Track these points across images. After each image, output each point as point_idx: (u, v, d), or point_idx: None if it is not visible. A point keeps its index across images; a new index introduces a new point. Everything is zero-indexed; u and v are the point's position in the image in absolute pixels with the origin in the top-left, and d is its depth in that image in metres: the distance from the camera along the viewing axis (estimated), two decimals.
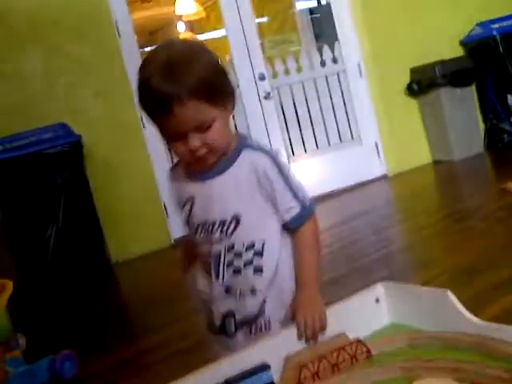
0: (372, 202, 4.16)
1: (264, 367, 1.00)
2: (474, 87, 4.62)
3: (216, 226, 1.18)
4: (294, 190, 1.20)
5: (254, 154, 1.19)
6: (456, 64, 4.46)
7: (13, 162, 3.50)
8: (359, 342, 1.05)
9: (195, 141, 1.10)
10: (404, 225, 3.48)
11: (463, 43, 4.71)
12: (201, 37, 6.77)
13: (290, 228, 1.21)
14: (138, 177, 3.99)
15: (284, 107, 4.53)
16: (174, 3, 6.23)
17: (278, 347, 1.06)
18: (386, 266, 2.67)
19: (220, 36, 6.03)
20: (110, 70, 3.87)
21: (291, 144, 4.55)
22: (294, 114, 4.57)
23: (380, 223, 3.51)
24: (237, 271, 1.19)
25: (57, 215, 3.58)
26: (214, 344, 1.28)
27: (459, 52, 4.68)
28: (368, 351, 1.04)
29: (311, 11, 5.80)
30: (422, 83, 4.51)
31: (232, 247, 1.19)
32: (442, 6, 4.67)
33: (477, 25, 4.63)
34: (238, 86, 4.35)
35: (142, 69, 1.11)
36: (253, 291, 1.20)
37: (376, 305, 1.17)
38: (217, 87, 1.13)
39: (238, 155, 1.18)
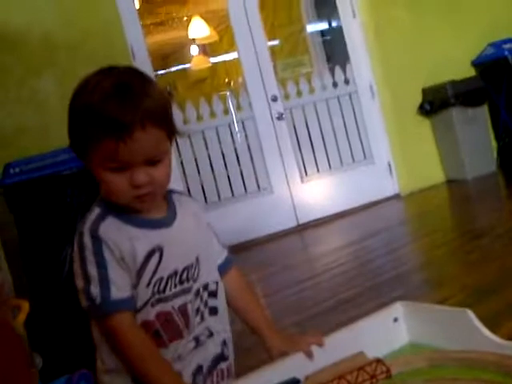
0: (385, 221, 4.15)
1: (294, 381, 1.00)
2: (486, 106, 4.63)
3: (186, 272, 1.09)
4: (216, 234, 1.21)
5: (185, 198, 1.17)
6: (468, 84, 4.49)
7: (29, 184, 3.54)
8: (379, 361, 1.05)
9: (142, 176, 1.00)
10: (418, 244, 3.47)
11: (475, 63, 4.73)
12: (214, 59, 6.84)
13: (222, 270, 1.19)
14: None
15: (296, 128, 4.56)
16: (188, 27, 6.31)
17: (291, 368, 1.06)
18: (400, 285, 2.66)
19: (233, 58, 6.12)
20: None
21: (304, 164, 4.57)
22: (307, 135, 4.59)
23: (394, 242, 3.51)
24: (201, 317, 1.12)
25: (72, 237, 3.60)
26: None
27: (470, 71, 4.71)
28: (388, 371, 1.04)
29: (323, 33, 5.86)
30: (434, 103, 4.53)
31: (197, 292, 1.11)
32: (452, 26, 4.71)
33: (488, 45, 4.65)
34: (251, 107, 4.39)
35: (84, 93, 1.01)
36: (211, 334, 1.13)
37: (394, 324, 1.17)
38: (171, 117, 1.06)
39: (172, 199, 1.13)
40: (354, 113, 4.70)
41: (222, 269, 1.19)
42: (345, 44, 4.70)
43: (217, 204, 4.30)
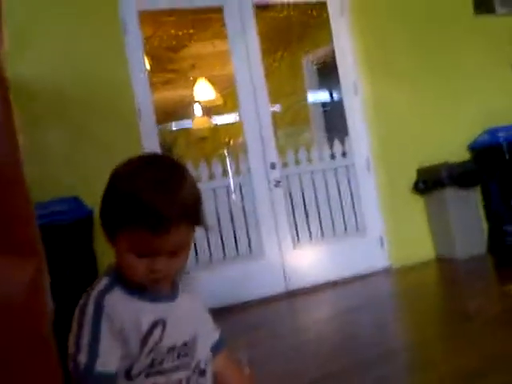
0: (374, 294, 4.17)
1: None
2: (479, 189, 4.73)
3: (185, 347, 1.14)
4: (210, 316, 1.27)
5: (186, 283, 1.23)
6: (462, 167, 4.60)
7: None
8: None
9: (162, 265, 1.07)
10: (405, 321, 3.48)
11: (470, 148, 4.86)
12: (216, 120, 6.97)
13: (215, 350, 1.24)
14: None
15: (292, 194, 4.63)
16: (193, 87, 6.47)
17: None
18: (386, 364, 2.65)
19: (234, 121, 6.25)
20: (126, 147, 3.99)
21: (297, 230, 4.61)
22: (302, 202, 4.66)
23: (382, 318, 3.52)
24: None
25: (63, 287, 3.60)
26: None
27: (465, 155, 4.82)
28: None
29: (324, 105, 6.02)
30: (428, 182, 4.63)
31: (193, 370, 1.16)
32: (450, 110, 4.87)
33: (484, 132, 4.79)
34: (250, 172, 4.47)
35: (128, 179, 1.06)
36: None
37: None
38: (202, 211, 1.13)
39: (176, 278, 1.19)
40: (350, 185, 4.79)
41: (215, 349, 1.24)
42: (345, 117, 4.83)
43: (208, 264, 4.32)
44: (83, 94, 3.94)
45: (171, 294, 1.16)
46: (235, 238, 4.46)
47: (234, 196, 4.47)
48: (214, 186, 4.43)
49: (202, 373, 1.18)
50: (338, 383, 2.48)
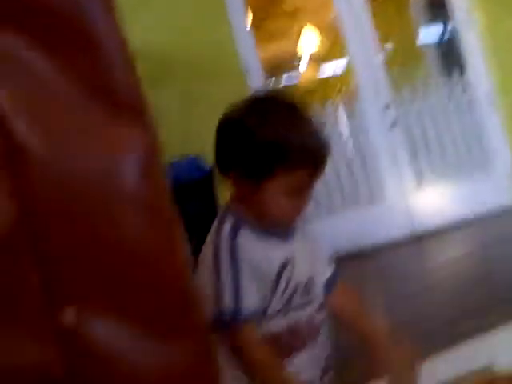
0: (508, 230, 3.94)
1: None
2: None
3: (310, 284, 1.15)
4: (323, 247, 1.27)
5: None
6: None
7: None
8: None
9: (305, 201, 1.11)
10: None
11: None
12: (325, 69, 6.84)
13: (331, 283, 1.23)
14: None
15: (411, 134, 4.45)
16: (297, 39, 6.37)
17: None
18: None
19: (343, 68, 6.09)
20: None
21: (419, 170, 4.44)
22: (422, 141, 4.47)
23: None
24: (318, 329, 1.16)
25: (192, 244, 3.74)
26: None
27: None
28: None
29: (436, 40, 5.70)
30: None
31: (315, 304, 1.16)
32: None
33: None
34: (364, 116, 4.35)
35: (276, 124, 1.07)
36: (320, 346, 1.16)
37: None
38: None
39: None
40: (472, 120, 4.52)
41: (331, 282, 1.23)
42: (461, 52, 4.55)
43: (328, 212, 4.28)
44: (189, 56, 4.00)
45: (291, 231, 1.16)
46: (355, 185, 4.38)
47: (348, 140, 4.38)
48: (328, 133, 4.35)
49: (321, 308, 1.18)
50: (478, 321, 2.37)
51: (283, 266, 1.10)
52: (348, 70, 4.65)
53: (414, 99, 4.49)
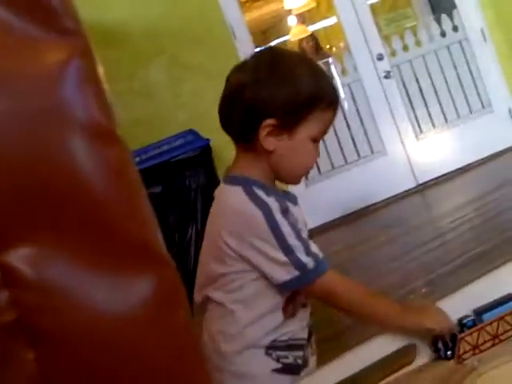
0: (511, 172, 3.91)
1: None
2: None
3: None
4: None
5: None
6: None
7: (150, 172, 3.70)
8: None
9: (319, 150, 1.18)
10: None
11: None
12: (313, 27, 6.73)
13: None
14: None
15: (406, 84, 4.39)
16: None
17: None
18: None
19: (332, 24, 5.99)
20: (227, 73, 3.96)
21: (418, 121, 4.40)
22: (418, 90, 4.41)
23: None
24: None
25: (195, 217, 3.73)
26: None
27: None
28: None
29: None
30: None
31: None
32: None
33: None
34: (356, 69, 4.29)
35: (315, 66, 1.16)
36: (304, 305, 1.18)
37: None
38: None
39: None
40: (467, 61, 4.45)
41: None
42: None
43: (330, 173, 4.25)
44: (174, 27, 3.93)
45: (292, 194, 1.23)
46: (353, 141, 4.34)
47: (343, 96, 4.32)
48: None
49: None
50: (484, 265, 2.36)
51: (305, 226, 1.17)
52: (337, 26, 4.56)
53: (406, 48, 4.41)
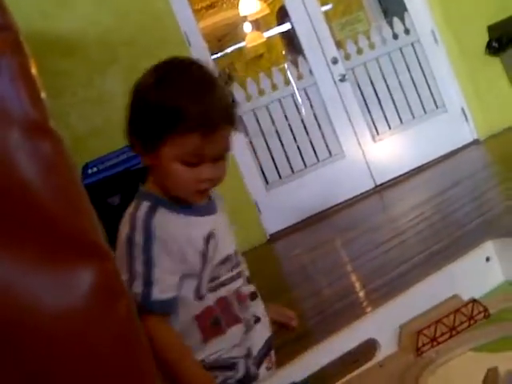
0: (466, 168, 4.01)
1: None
2: None
3: (235, 257, 1.14)
4: None
5: (215, 191, 1.19)
6: None
7: (107, 182, 3.66)
8: (475, 301, 1.02)
9: (210, 172, 1.05)
10: (503, 187, 3.32)
11: None
12: (268, 33, 6.79)
13: None
14: (226, 178, 4.03)
15: (361, 87, 4.45)
16: (238, 5, 6.28)
17: (383, 320, 1.04)
18: (490, 231, 2.56)
19: (287, 29, 6.03)
20: None
21: (374, 123, 4.46)
22: (373, 93, 4.47)
23: (478, 188, 3.38)
24: (248, 301, 1.15)
25: None
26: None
27: None
28: (485, 310, 1.00)
29: None
30: (502, 39, 4.30)
31: (243, 276, 1.15)
32: None
33: None
34: (312, 73, 4.33)
35: (163, 88, 1.03)
36: (258, 319, 1.15)
37: (487, 264, 1.12)
38: (237, 114, 1.10)
39: None
40: (420, 63, 4.54)
41: None
42: None
43: (290, 177, 4.28)
44: (129, 36, 3.90)
45: (211, 205, 1.14)
46: (312, 144, 4.37)
47: (300, 100, 4.35)
48: (279, 96, 4.32)
49: (248, 280, 1.17)
50: (444, 259, 2.41)
51: (207, 242, 1.08)
52: (291, 33, 4.60)
53: (360, 51, 4.47)
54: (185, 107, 1.00)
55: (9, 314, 0.44)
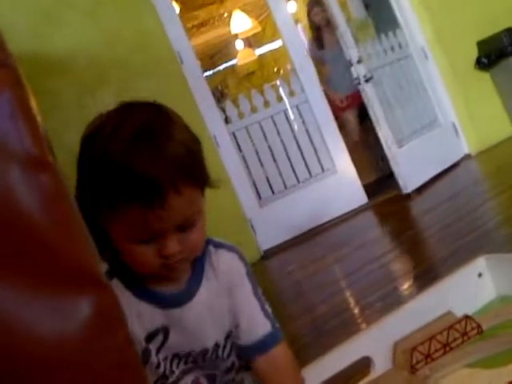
0: (459, 183, 4.03)
1: None
2: None
3: (197, 353, 0.95)
4: (261, 301, 0.99)
5: (224, 255, 0.97)
6: None
7: None
8: (468, 318, 1.02)
9: (174, 245, 0.83)
10: (497, 201, 3.34)
11: None
12: (259, 51, 6.84)
13: (262, 347, 0.97)
14: (219, 195, 4.03)
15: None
16: (229, 23, 6.33)
17: (377, 338, 1.04)
18: (486, 244, 2.56)
19: (278, 46, 6.09)
20: (177, 99, 3.94)
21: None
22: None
23: (471, 203, 3.39)
24: None
25: None
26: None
27: None
28: (478, 326, 1.01)
29: (365, 4, 5.72)
30: (491, 55, 4.35)
31: (214, 370, 0.98)
32: None
33: None
34: (304, 91, 4.35)
35: (100, 138, 0.84)
36: None
37: (480, 279, 1.13)
38: (203, 164, 0.88)
39: (202, 261, 0.95)
40: (413, 78, 4.55)
41: (262, 345, 0.98)
42: (391, 9, 4.57)
43: (283, 193, 4.29)
44: (120, 55, 3.90)
45: (183, 293, 0.92)
46: (304, 160, 4.38)
47: (294, 120, 4.38)
48: (271, 113, 4.34)
49: (229, 370, 1.00)
50: (441, 272, 2.41)
51: (150, 337, 0.90)
52: (283, 50, 4.63)
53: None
54: (120, 168, 0.79)
55: (6, 343, 0.45)
